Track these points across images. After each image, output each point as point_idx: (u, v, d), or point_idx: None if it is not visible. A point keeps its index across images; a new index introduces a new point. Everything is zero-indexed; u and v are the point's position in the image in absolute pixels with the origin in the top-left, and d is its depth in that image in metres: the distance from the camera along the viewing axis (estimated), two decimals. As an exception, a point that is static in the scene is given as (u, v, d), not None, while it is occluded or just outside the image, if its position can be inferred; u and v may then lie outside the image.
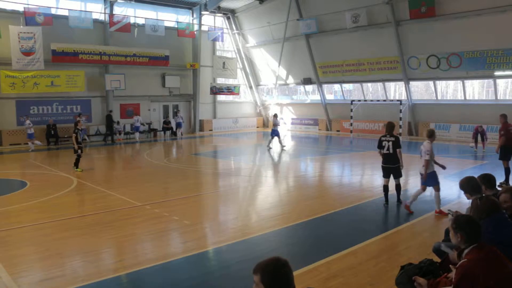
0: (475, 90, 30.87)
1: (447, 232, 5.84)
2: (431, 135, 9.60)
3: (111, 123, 27.50)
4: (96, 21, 26.82)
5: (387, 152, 10.13)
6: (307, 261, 6.71)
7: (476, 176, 5.84)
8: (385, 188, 10.38)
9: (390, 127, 10.35)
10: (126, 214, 9.86)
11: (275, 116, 22.92)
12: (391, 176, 10.28)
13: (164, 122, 30.85)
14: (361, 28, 27.31)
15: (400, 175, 10.35)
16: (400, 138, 11.51)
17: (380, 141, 10.29)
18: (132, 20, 28.11)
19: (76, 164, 15.95)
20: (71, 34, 25.88)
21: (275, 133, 22.44)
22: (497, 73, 23.22)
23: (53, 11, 25.01)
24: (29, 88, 24.55)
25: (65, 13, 25.17)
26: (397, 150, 10.05)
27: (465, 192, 5.63)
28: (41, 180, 14.41)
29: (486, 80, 26.50)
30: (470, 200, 5.58)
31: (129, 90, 28.71)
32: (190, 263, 6.90)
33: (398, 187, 10.38)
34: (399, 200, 10.45)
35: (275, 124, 22.59)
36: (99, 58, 27.02)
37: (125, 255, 7.28)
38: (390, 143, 10.08)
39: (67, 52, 25.54)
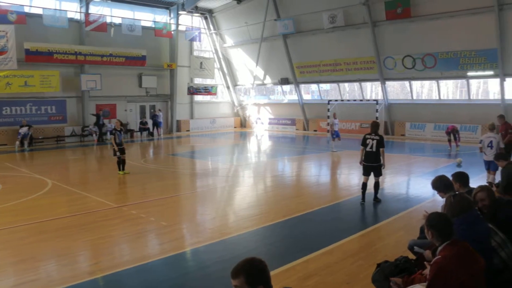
0: (449, 90, 31.39)
1: (422, 229, 5.94)
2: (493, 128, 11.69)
3: (99, 123, 27.32)
4: (71, 20, 26.42)
5: (370, 150, 10.23)
6: (285, 261, 6.74)
7: (449, 174, 5.96)
8: (364, 186, 10.48)
9: (375, 126, 10.55)
10: (102, 216, 9.73)
11: (334, 116, 21.77)
12: (371, 175, 10.40)
13: (141, 123, 30.60)
14: (338, 29, 27.54)
15: (380, 174, 10.48)
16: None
17: (365, 139, 10.39)
18: (108, 20, 27.78)
19: (121, 167, 15.35)
20: (46, 33, 25.42)
21: (336, 134, 20.99)
22: (469, 73, 23.71)
23: (26, 9, 24.50)
24: (1, 88, 23.97)
25: (39, 11, 24.71)
26: (381, 149, 10.19)
27: (439, 191, 5.71)
28: (15, 182, 14.11)
29: (459, 80, 26.98)
30: (444, 198, 5.68)
31: (105, 90, 28.33)
32: (168, 265, 6.86)
33: (376, 185, 10.50)
34: (376, 199, 10.56)
35: (334, 124, 21.15)
36: (74, 58, 26.58)
37: (101, 258, 7.19)
38: (375, 141, 10.20)
39: (41, 51, 25.05)
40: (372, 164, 10.30)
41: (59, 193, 12.38)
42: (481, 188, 5.12)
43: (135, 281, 6.26)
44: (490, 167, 11.16)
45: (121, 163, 15.40)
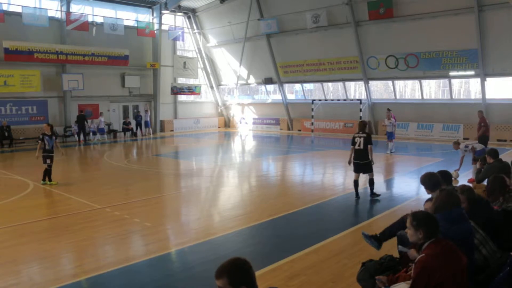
0: (431, 89, 31.80)
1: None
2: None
3: (83, 123, 27.08)
4: (52, 18, 26.05)
5: (358, 148, 10.51)
6: (270, 261, 6.72)
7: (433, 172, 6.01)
8: (355, 183, 10.74)
9: (362, 125, 10.85)
10: (85, 217, 9.59)
11: (389, 110, 20.04)
12: (362, 172, 10.66)
13: (124, 123, 30.30)
14: (322, 28, 27.65)
15: (370, 170, 10.67)
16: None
17: (353, 138, 10.70)
18: (90, 19, 27.46)
19: (44, 177, 13.35)
20: (25, 32, 24.99)
21: (390, 134, 19.76)
22: (451, 73, 24.01)
23: (4, 7, 24.06)
24: (-20, 88, 23.54)
25: (18, 9, 24.25)
26: (369, 146, 10.44)
27: (426, 188, 5.80)
28: (-5, 183, 13.85)
29: (442, 80, 27.35)
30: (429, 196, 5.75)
31: (87, 90, 27.96)
32: (152, 266, 6.79)
33: (370, 181, 10.72)
34: (373, 195, 10.75)
35: (388, 125, 19.89)
36: (55, 57, 26.17)
37: (85, 260, 7.08)
38: (362, 139, 10.48)
39: (21, 50, 24.60)
40: (360, 162, 10.55)
41: (41, 194, 12.20)
42: (461, 190, 5.17)
43: (119, 283, 6.19)
44: None
45: (49, 172, 13.42)
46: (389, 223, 8.51)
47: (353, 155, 10.70)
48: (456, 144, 13.61)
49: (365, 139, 10.46)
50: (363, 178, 10.90)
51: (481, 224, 4.65)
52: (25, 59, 24.92)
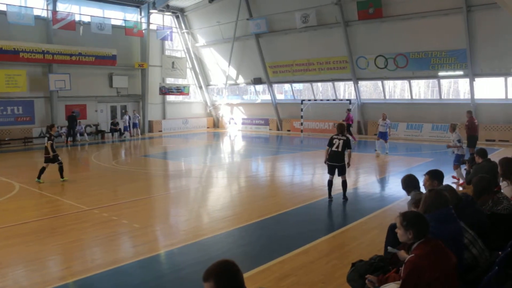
0: (421, 89, 32.00)
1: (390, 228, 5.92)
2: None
3: (74, 124, 26.91)
4: (38, 17, 25.71)
5: (336, 150, 10.43)
6: (260, 262, 6.68)
7: (422, 172, 6.01)
8: (330, 183, 10.65)
9: (341, 127, 10.78)
10: (73, 219, 9.48)
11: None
12: (336, 173, 10.53)
13: (112, 124, 30.06)
14: (311, 28, 27.68)
15: (344, 172, 10.57)
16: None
17: (332, 139, 10.60)
18: (77, 18, 27.18)
19: (61, 174, 13.96)
20: (11, 31, 24.61)
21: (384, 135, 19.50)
22: (440, 73, 24.16)
23: (-12, 6, 23.72)
24: (-36, 88, 23.15)
25: (3, 8, 23.86)
26: (348, 150, 10.41)
27: (404, 189, 5.97)
28: (-20, 185, 13.63)
29: (431, 80, 27.51)
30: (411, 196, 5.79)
31: (74, 90, 27.69)
32: (141, 267, 6.72)
33: (344, 183, 10.61)
34: (344, 197, 10.63)
35: (382, 125, 19.61)
36: (42, 57, 25.84)
37: (72, 262, 6.98)
38: (341, 141, 10.39)
39: (6, 50, 24.20)
40: (336, 164, 10.46)
41: (27, 196, 12.02)
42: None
43: (108, 285, 6.12)
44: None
45: (62, 169, 14.08)
46: (379, 224, 8.52)
47: (328, 157, 10.59)
48: (452, 128, 13.68)
49: (345, 142, 10.41)
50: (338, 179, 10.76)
51: (468, 224, 4.64)
52: (10, 59, 24.54)
